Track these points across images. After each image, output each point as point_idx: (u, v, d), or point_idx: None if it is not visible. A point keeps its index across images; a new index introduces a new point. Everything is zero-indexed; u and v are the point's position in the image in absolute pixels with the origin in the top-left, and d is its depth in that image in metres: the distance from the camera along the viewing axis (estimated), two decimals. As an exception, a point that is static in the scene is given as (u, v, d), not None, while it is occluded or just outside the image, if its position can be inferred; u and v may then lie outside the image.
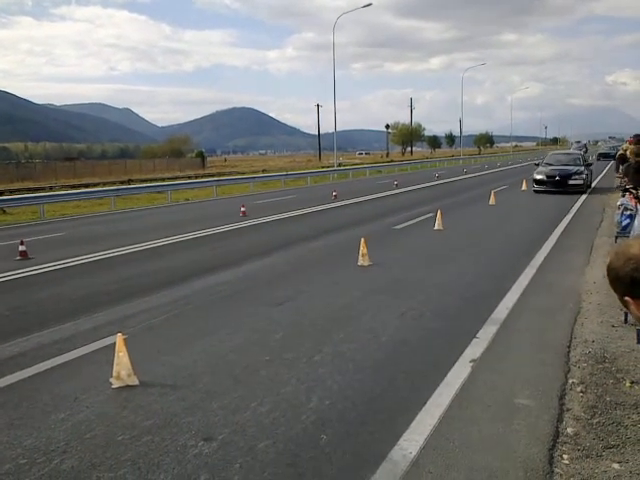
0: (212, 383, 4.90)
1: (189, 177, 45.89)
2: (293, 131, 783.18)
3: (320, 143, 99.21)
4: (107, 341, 5.87)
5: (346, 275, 9.09)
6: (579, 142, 79.33)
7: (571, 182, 21.77)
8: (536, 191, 22.28)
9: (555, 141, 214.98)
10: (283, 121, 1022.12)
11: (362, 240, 9.89)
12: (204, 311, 7.22)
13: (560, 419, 4.11)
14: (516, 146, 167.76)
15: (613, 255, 1.73)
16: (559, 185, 21.76)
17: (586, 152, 61.86)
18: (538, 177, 22.69)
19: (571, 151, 27.87)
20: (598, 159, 52.47)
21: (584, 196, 20.76)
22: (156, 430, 4.07)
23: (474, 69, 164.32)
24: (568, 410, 4.24)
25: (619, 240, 9.49)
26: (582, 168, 22.73)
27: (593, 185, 25.46)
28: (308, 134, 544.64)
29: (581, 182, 21.85)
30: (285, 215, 17.55)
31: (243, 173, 48.73)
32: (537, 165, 24.99)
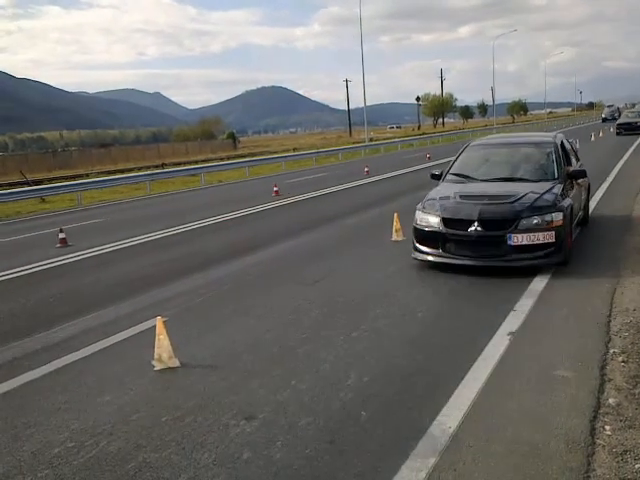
0: (251, 362, 4.97)
1: (221, 159, 46.11)
2: (323, 107, 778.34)
3: (350, 119, 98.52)
4: (147, 324, 5.99)
5: (380, 251, 9.07)
6: (611, 106, 71.91)
7: (516, 241, 6.98)
8: (419, 254, 7.80)
9: (591, 106, 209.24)
10: (312, 98, 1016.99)
11: (395, 215, 9.84)
12: (240, 292, 7.29)
13: (601, 390, 4.06)
14: (550, 112, 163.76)
15: None
16: (483, 247, 7.23)
17: (619, 117, 51.99)
18: (430, 222, 7.62)
19: (531, 138, 10.06)
20: (618, 133, 37.41)
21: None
22: (199, 410, 4.16)
23: (505, 36, 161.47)
24: (609, 380, 4.19)
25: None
26: (555, 189, 7.65)
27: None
28: (338, 110, 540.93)
29: (551, 239, 6.95)
30: (317, 193, 17.55)
31: (274, 152, 48.77)
32: (437, 178, 9.36)
